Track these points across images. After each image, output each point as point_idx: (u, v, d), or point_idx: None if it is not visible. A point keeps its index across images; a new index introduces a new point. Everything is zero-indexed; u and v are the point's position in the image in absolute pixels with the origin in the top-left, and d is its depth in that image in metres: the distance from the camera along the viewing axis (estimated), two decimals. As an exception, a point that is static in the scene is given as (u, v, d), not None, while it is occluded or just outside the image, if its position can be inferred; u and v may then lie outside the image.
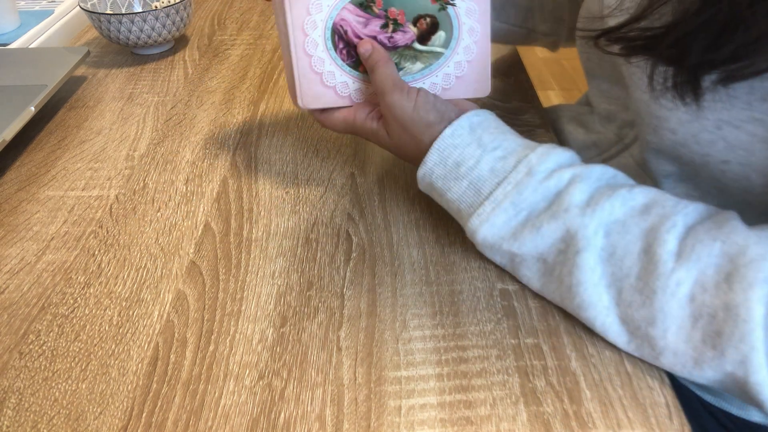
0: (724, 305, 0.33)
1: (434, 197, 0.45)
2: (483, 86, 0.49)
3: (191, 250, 0.46)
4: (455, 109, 0.45)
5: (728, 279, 0.33)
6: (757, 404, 0.34)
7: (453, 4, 0.46)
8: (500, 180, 0.40)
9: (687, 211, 0.36)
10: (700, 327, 0.34)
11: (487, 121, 0.43)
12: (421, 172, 0.44)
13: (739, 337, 0.32)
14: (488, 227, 0.41)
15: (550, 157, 0.40)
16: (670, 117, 0.40)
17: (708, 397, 0.51)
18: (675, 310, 0.34)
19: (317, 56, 0.45)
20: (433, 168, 0.43)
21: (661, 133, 0.42)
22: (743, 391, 0.34)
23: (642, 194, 0.38)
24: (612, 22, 0.41)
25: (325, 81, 0.46)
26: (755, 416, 0.50)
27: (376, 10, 0.45)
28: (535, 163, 0.40)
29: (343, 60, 0.46)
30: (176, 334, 0.40)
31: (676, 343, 0.35)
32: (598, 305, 0.37)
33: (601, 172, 0.40)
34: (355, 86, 0.47)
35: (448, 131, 0.42)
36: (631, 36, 0.39)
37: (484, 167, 0.41)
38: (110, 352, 0.39)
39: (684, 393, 0.52)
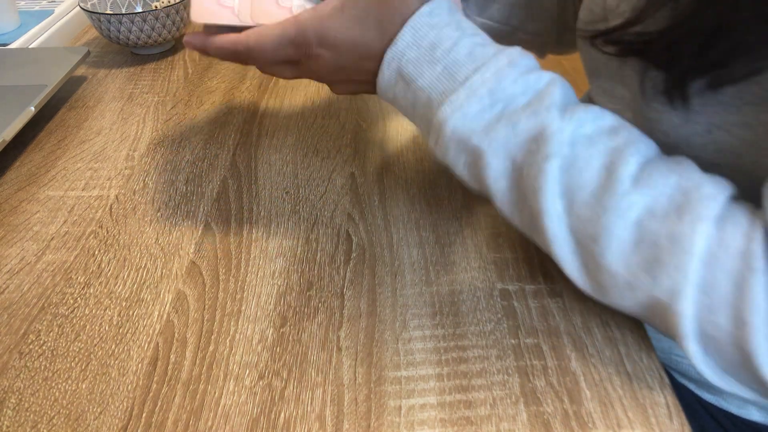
0: (670, 234, 0.32)
1: (397, 93, 0.40)
2: None
3: (191, 250, 0.46)
4: None
5: (679, 210, 0.33)
6: (672, 335, 0.34)
7: None
8: (478, 66, 0.37)
9: (649, 143, 0.36)
10: (640, 252, 0.33)
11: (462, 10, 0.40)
12: (390, 55, 0.38)
13: (675, 266, 0.32)
14: (460, 117, 0.37)
15: (529, 56, 0.38)
16: (662, 120, 0.40)
17: (707, 397, 0.51)
18: (620, 231, 0.33)
19: None
20: (404, 50, 0.38)
21: (654, 135, 0.42)
22: (663, 320, 0.34)
23: (611, 117, 0.37)
24: (608, 25, 0.41)
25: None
26: (754, 415, 0.50)
27: None
28: (516, 55, 0.37)
29: None
30: (176, 334, 0.40)
31: (614, 263, 0.34)
32: (552, 212, 0.35)
33: (569, 85, 0.39)
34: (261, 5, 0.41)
35: (425, 8, 0.38)
36: (626, 39, 0.39)
37: (461, 51, 0.37)
38: (110, 352, 0.39)
39: (683, 393, 0.52)
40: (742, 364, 0.32)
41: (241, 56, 0.43)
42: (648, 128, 0.42)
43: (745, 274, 0.31)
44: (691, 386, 0.52)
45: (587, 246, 0.35)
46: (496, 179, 0.38)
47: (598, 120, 0.36)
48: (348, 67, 0.41)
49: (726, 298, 0.31)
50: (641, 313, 0.36)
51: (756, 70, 0.34)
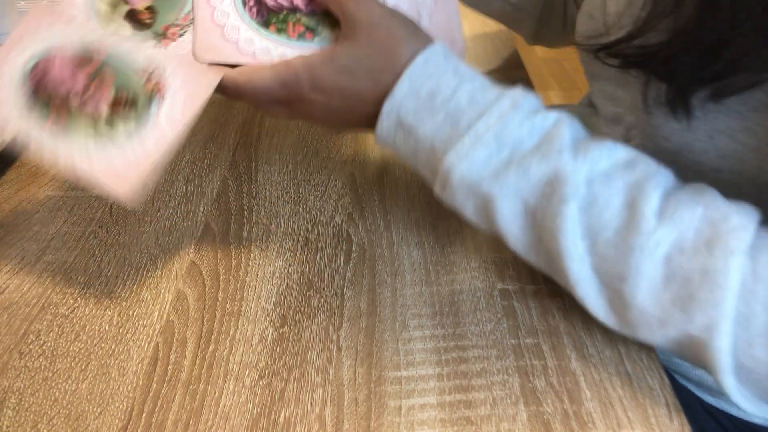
0: (702, 270, 0.32)
1: (397, 142, 0.39)
2: (456, 42, 0.43)
3: (191, 250, 0.46)
4: (421, 36, 0.39)
5: (708, 244, 0.32)
6: (709, 369, 0.33)
7: None
8: (482, 112, 0.36)
9: (667, 173, 0.36)
10: (671, 289, 0.33)
11: (458, 54, 0.40)
12: (388, 107, 0.38)
13: (713, 303, 0.31)
14: (467, 164, 0.36)
15: (532, 95, 0.37)
16: (663, 125, 0.40)
17: (708, 398, 0.51)
18: (650, 269, 0.33)
19: (221, 9, 0.41)
20: (402, 100, 0.37)
21: (655, 140, 0.42)
22: (700, 357, 0.33)
23: (624, 149, 0.36)
24: (610, 38, 0.41)
25: (227, 35, 0.41)
26: (756, 417, 0.50)
27: None
28: (519, 97, 0.37)
29: (251, 17, 0.41)
30: (176, 334, 0.40)
31: (644, 302, 0.33)
32: (574, 254, 0.35)
33: (576, 120, 0.38)
34: (262, 45, 0.41)
35: (420, 59, 0.37)
36: (628, 52, 0.39)
37: (462, 98, 0.37)
38: (110, 352, 0.39)
39: (684, 394, 0.52)
40: None
41: (228, 92, 0.42)
42: (650, 133, 0.42)
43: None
44: (692, 387, 0.52)
45: (614, 286, 0.34)
46: (509, 223, 0.37)
47: (612, 155, 0.36)
48: (341, 111, 0.41)
49: (763, 329, 0.31)
50: (673, 348, 0.35)
51: (757, 82, 0.34)
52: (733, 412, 0.51)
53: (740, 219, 0.33)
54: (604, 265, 0.35)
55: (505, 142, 0.36)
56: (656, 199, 0.34)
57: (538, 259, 0.38)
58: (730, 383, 0.33)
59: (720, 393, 0.51)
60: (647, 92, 0.39)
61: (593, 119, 0.59)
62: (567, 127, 0.36)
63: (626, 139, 0.53)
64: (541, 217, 0.36)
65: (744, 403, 0.34)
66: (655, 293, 0.33)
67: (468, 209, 0.39)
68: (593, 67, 0.52)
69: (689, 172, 0.41)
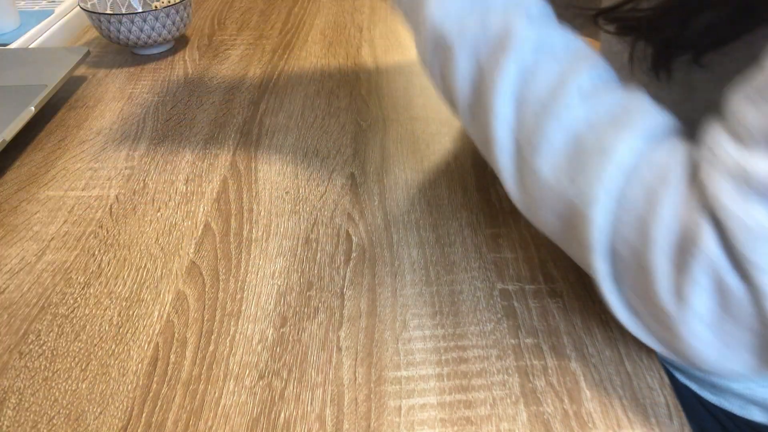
0: (598, 142, 0.32)
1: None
2: None
3: (191, 250, 0.46)
4: None
5: (614, 122, 0.32)
6: (584, 249, 0.33)
7: None
8: None
9: (609, 70, 0.36)
10: (569, 159, 0.33)
11: None
12: None
13: (598, 175, 0.31)
14: (440, 11, 0.37)
15: None
16: (664, 97, 0.40)
17: (708, 396, 0.51)
18: (559, 142, 0.33)
19: None
20: None
21: None
22: (577, 231, 0.33)
23: (581, 42, 0.37)
24: (607, 3, 0.43)
25: None
26: (756, 416, 0.50)
27: None
28: None
29: None
30: (176, 334, 0.40)
31: (548, 174, 0.34)
32: (501, 115, 0.35)
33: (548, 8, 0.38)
34: None
35: None
36: (622, 16, 0.40)
37: None
38: (110, 352, 0.39)
39: (683, 393, 0.52)
40: (644, 291, 0.31)
41: None
42: None
43: (659, 188, 0.30)
44: (693, 386, 0.52)
45: (526, 155, 0.34)
46: (461, 80, 0.37)
47: (569, 39, 0.36)
48: None
49: (636, 210, 0.30)
50: (560, 228, 0.35)
51: (737, 38, 0.35)
52: (735, 411, 0.51)
53: (653, 111, 0.33)
54: (522, 132, 0.35)
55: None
56: (587, 81, 0.34)
57: (473, 122, 0.38)
58: (602, 270, 0.33)
59: (722, 392, 0.51)
60: (633, 57, 0.40)
61: None
62: (537, 5, 0.36)
63: None
64: (484, 73, 0.36)
65: (617, 307, 0.34)
66: (558, 166, 0.33)
67: (434, 67, 0.39)
68: (586, 34, 0.53)
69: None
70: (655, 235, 0.30)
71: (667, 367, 0.52)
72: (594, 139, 0.32)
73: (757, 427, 0.50)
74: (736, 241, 0.27)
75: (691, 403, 0.52)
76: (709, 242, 0.28)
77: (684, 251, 0.29)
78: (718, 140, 0.30)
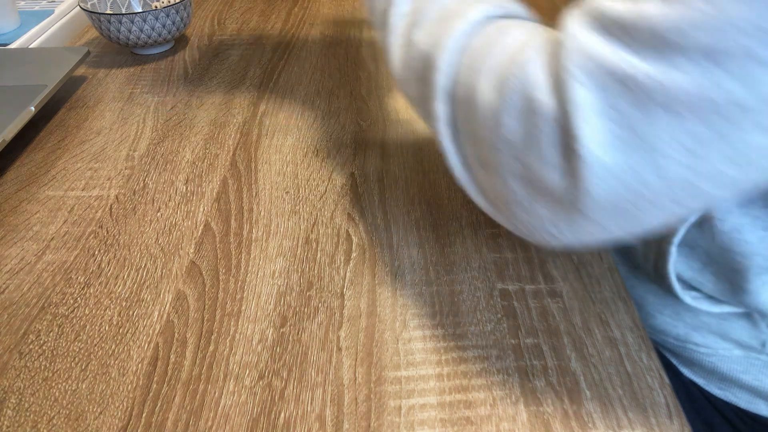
0: (459, 9, 0.36)
1: None
2: None
3: (191, 250, 0.46)
4: None
5: None
6: (425, 85, 0.36)
7: None
8: None
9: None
10: (437, 25, 0.36)
11: None
12: None
13: (450, 28, 0.35)
14: None
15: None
16: None
17: (715, 392, 0.51)
18: (434, 13, 0.37)
19: None
20: None
21: None
22: (424, 79, 0.37)
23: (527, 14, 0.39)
24: None
25: None
26: (763, 410, 0.50)
27: None
28: None
29: None
30: (176, 334, 0.40)
31: (419, 40, 0.37)
32: (399, 7, 0.39)
33: None
34: None
35: None
36: None
37: None
38: (110, 352, 0.39)
39: (690, 389, 0.52)
40: (471, 128, 0.34)
41: None
42: None
43: (497, 36, 0.33)
44: (700, 381, 0.52)
45: (409, 31, 0.38)
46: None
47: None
48: None
49: (474, 54, 0.33)
50: (414, 82, 0.38)
51: None
52: (742, 405, 0.51)
53: (517, 5, 0.37)
54: (411, 17, 0.39)
55: None
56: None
57: (378, 24, 0.42)
58: (440, 112, 0.35)
59: (729, 386, 0.51)
60: None
61: None
62: None
63: None
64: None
65: (450, 156, 0.36)
66: (428, 32, 0.37)
67: (378, 31, 0.43)
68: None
69: None
70: (482, 67, 0.33)
71: (675, 364, 0.53)
72: (457, 7, 0.36)
73: (765, 422, 0.50)
74: (565, 58, 0.29)
75: (697, 399, 0.52)
76: (529, 66, 0.30)
77: (504, 78, 0.31)
78: (579, 6, 0.32)
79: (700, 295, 0.47)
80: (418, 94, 0.38)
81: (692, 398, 0.52)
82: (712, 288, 0.45)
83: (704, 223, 0.41)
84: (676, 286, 0.46)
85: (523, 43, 0.32)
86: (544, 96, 0.29)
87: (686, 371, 0.53)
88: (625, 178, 0.29)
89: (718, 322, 0.48)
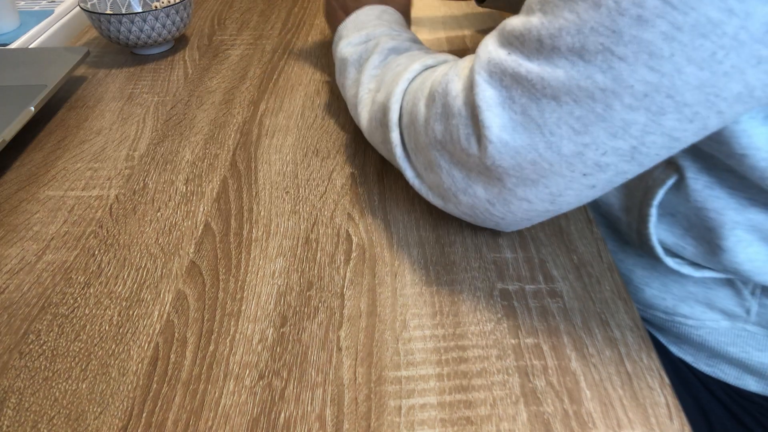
0: (403, 67, 0.47)
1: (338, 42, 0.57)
2: None
3: (191, 250, 0.46)
4: None
5: (414, 58, 0.48)
6: (383, 125, 0.47)
7: None
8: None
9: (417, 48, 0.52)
10: (389, 82, 0.47)
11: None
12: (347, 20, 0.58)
13: (398, 80, 0.46)
14: (343, 45, 0.56)
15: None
16: None
17: (704, 368, 0.52)
18: (388, 79, 0.48)
19: None
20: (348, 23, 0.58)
21: None
22: (384, 121, 0.47)
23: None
24: None
25: None
26: (752, 386, 0.51)
27: None
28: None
29: None
30: (176, 334, 0.40)
31: (377, 100, 0.49)
32: (363, 87, 0.51)
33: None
34: None
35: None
36: None
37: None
38: (110, 352, 0.39)
39: (678, 366, 0.53)
40: (414, 139, 0.44)
41: None
42: None
43: (429, 75, 0.44)
44: (688, 359, 0.52)
45: (374, 95, 0.50)
46: (350, 80, 0.54)
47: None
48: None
49: (413, 91, 0.44)
50: (376, 126, 0.49)
51: None
52: (731, 381, 0.51)
53: (437, 56, 0.48)
54: (373, 89, 0.51)
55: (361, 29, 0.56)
56: (404, 46, 0.52)
57: (352, 104, 0.53)
58: (395, 139, 0.46)
59: (717, 362, 0.51)
60: None
61: None
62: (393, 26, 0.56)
63: None
64: (360, 73, 0.53)
65: (406, 170, 0.46)
66: (382, 91, 0.48)
67: (340, 79, 0.56)
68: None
69: None
70: (418, 95, 0.43)
71: (662, 342, 0.53)
72: (405, 64, 0.47)
73: (752, 398, 0.51)
74: (478, 65, 0.37)
75: (686, 377, 0.52)
76: (449, 81, 0.40)
77: (431, 95, 0.41)
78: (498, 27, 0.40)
79: (682, 261, 0.49)
80: (381, 137, 0.48)
81: (681, 376, 0.52)
82: (693, 252, 0.47)
83: (680, 185, 0.45)
84: (659, 249, 0.48)
85: (447, 68, 0.42)
86: (458, 101, 0.39)
87: (675, 349, 0.53)
88: (526, 154, 0.36)
89: (704, 291, 0.50)
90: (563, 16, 0.33)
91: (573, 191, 0.38)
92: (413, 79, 0.46)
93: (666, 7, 0.30)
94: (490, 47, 0.38)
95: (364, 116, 0.51)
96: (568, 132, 0.35)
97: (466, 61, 0.41)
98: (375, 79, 0.51)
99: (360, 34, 0.55)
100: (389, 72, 0.49)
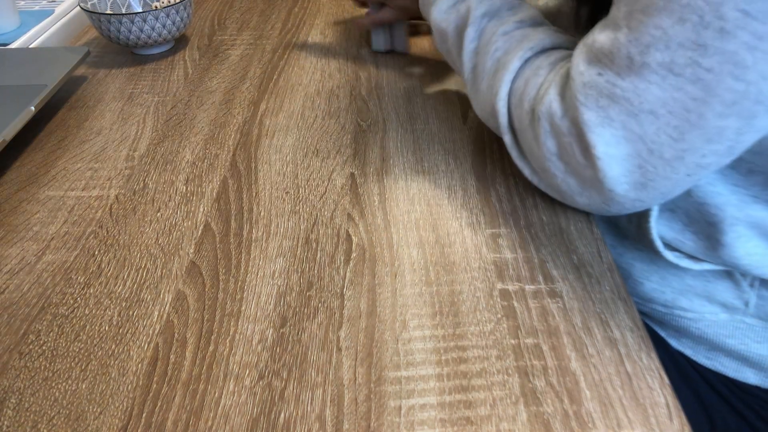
0: (504, 60, 0.47)
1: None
2: None
3: (191, 250, 0.46)
4: None
5: (516, 42, 0.47)
6: (495, 124, 0.49)
7: None
8: None
9: (531, 16, 0.51)
10: (492, 76, 0.48)
11: None
12: None
13: (500, 80, 0.47)
14: (436, 11, 0.55)
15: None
16: None
17: (703, 361, 0.52)
18: (486, 67, 0.49)
19: None
20: None
21: None
22: (493, 115, 0.49)
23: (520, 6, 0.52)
24: None
25: None
26: (751, 378, 0.51)
27: None
28: None
29: None
30: (176, 334, 0.40)
31: (483, 89, 0.50)
32: (465, 60, 0.52)
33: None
34: None
35: None
36: None
37: None
38: (110, 352, 0.39)
39: (678, 359, 0.53)
40: (527, 147, 0.46)
41: None
42: None
43: (531, 78, 0.45)
44: (687, 352, 0.52)
45: (476, 79, 0.51)
46: (455, 50, 0.54)
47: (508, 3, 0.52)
48: None
49: (517, 94, 0.46)
50: (489, 119, 0.50)
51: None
52: (730, 374, 0.51)
53: (544, 34, 0.47)
54: (475, 71, 0.51)
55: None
56: (511, 26, 0.49)
57: (458, 67, 0.54)
58: (507, 141, 0.48)
59: (716, 355, 0.51)
60: (579, 16, 0.52)
61: None
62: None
63: None
64: (461, 42, 0.53)
65: (523, 169, 0.48)
66: (488, 83, 0.49)
67: (443, 48, 0.56)
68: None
69: None
70: (522, 103, 0.45)
71: (661, 335, 0.53)
72: (504, 58, 0.48)
73: (751, 390, 0.51)
74: (574, 89, 0.40)
75: (685, 370, 0.53)
76: (550, 98, 0.42)
77: (535, 114, 0.43)
78: (582, 40, 0.42)
79: (681, 255, 0.49)
80: (495, 127, 0.50)
81: (680, 370, 0.53)
82: (692, 246, 0.48)
83: None
84: (658, 243, 0.49)
85: (547, 82, 0.44)
86: (564, 122, 0.41)
87: (674, 342, 0.53)
88: (633, 161, 0.39)
89: (703, 284, 0.50)
90: (649, 33, 0.35)
91: (680, 188, 0.41)
92: (515, 79, 0.47)
93: (746, 18, 0.31)
94: (581, 67, 0.40)
95: (474, 100, 0.52)
96: (668, 140, 0.37)
97: (560, 76, 0.43)
98: (475, 56, 0.51)
99: None
100: (487, 56, 0.49)
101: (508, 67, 0.46)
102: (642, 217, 0.49)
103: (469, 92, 0.53)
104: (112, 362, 0.39)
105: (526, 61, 0.46)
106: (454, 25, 0.53)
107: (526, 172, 0.48)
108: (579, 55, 0.41)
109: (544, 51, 0.47)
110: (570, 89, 0.40)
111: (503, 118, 0.47)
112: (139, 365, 0.38)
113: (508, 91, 0.47)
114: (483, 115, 0.52)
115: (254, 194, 0.52)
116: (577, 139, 0.41)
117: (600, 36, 0.39)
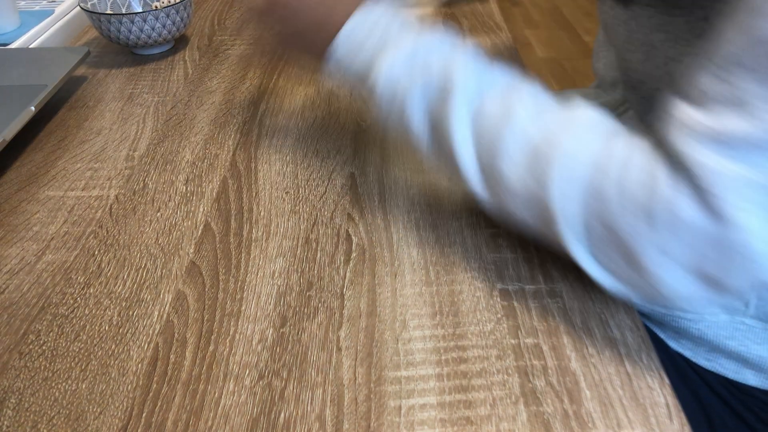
0: (546, 139, 0.37)
1: (346, 63, 0.46)
2: None
3: (191, 250, 0.46)
4: None
5: (559, 127, 0.38)
6: (548, 222, 0.38)
7: None
8: (408, 32, 0.44)
9: (539, 87, 0.41)
10: (530, 163, 0.38)
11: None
12: (343, 32, 0.45)
13: (552, 170, 0.37)
14: (388, 67, 0.43)
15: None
16: (632, 58, 0.50)
17: (702, 362, 0.52)
18: (515, 149, 0.38)
19: None
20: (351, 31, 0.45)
21: (628, 74, 0.53)
22: (542, 215, 0.38)
23: (510, 72, 0.42)
24: None
25: None
26: (750, 380, 0.51)
27: None
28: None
29: None
30: (176, 334, 0.40)
31: (511, 177, 0.39)
32: (463, 151, 0.41)
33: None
34: None
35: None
36: None
37: (394, 26, 0.44)
38: (110, 352, 0.39)
39: (677, 360, 0.53)
40: (621, 251, 0.36)
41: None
42: (625, 67, 0.53)
43: (620, 172, 0.35)
44: (687, 353, 0.52)
45: (490, 169, 0.40)
46: (419, 128, 0.43)
47: (501, 72, 0.42)
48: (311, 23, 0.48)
49: (616, 202, 0.35)
50: (532, 219, 0.40)
51: None
52: (729, 375, 0.51)
53: (588, 111, 0.38)
54: (484, 157, 0.40)
55: (419, 47, 0.42)
56: (529, 101, 0.39)
57: (438, 156, 0.43)
58: (579, 250, 0.37)
59: (716, 356, 0.51)
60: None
61: (595, 91, 0.71)
62: (468, 52, 0.42)
63: (623, 99, 0.67)
64: (440, 121, 0.41)
65: (596, 274, 0.38)
66: (519, 171, 0.38)
67: (392, 121, 0.45)
68: (609, 32, 0.58)
69: (655, 102, 0.50)
70: (623, 201, 0.34)
71: (661, 336, 0.53)
72: (546, 144, 0.37)
73: (751, 392, 0.51)
74: (710, 188, 0.32)
75: (684, 371, 0.52)
76: (673, 199, 0.33)
77: (653, 212, 0.34)
78: (682, 109, 0.34)
79: None
80: (538, 225, 0.40)
81: (680, 371, 0.53)
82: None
83: None
84: None
85: (648, 174, 0.34)
86: (707, 224, 0.32)
87: (673, 344, 0.53)
88: None
89: None
90: None
91: None
92: (598, 172, 0.36)
93: None
94: (711, 162, 0.32)
95: (482, 190, 0.41)
96: None
97: (680, 171, 0.34)
98: (480, 142, 0.40)
99: (399, 50, 0.43)
100: (518, 132, 0.39)
101: (563, 153, 0.37)
102: None
103: (472, 178, 0.41)
104: (112, 362, 0.39)
105: (588, 145, 0.37)
106: (422, 93, 0.42)
107: (608, 282, 0.38)
108: (693, 142, 0.33)
109: (603, 130, 0.38)
110: (711, 192, 0.32)
111: (571, 220, 0.37)
112: (139, 365, 0.38)
113: (564, 189, 0.37)
114: (521, 214, 0.40)
115: (254, 194, 0.52)
116: (729, 244, 0.33)
117: (728, 125, 0.32)
